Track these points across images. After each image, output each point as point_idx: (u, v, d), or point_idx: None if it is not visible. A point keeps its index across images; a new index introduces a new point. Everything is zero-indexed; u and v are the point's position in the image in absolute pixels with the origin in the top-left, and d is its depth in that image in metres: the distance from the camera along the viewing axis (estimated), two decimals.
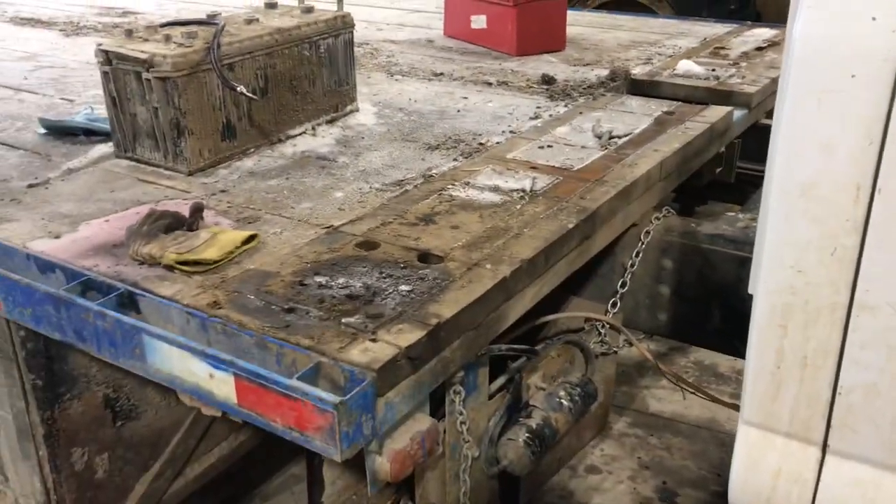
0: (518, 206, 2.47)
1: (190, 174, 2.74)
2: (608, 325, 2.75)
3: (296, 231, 2.35)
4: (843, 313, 1.54)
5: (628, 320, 2.92)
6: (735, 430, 4.82)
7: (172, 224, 2.22)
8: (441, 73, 4.03)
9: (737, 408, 3.23)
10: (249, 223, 2.40)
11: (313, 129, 3.16)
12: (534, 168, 2.77)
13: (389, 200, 2.54)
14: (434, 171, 2.77)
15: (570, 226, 2.34)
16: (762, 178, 4.01)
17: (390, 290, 1.99)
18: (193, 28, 2.80)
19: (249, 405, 1.76)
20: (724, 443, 4.53)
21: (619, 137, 3.06)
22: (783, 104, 1.50)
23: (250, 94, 2.73)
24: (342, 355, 1.74)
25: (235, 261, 2.17)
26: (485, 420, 2.34)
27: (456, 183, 2.65)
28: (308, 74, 3.09)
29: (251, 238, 2.24)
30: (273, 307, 1.93)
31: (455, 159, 2.89)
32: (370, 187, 2.65)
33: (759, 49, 4.40)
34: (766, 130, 3.91)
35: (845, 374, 1.58)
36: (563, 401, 2.48)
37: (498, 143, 3.04)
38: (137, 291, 2.03)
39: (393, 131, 3.21)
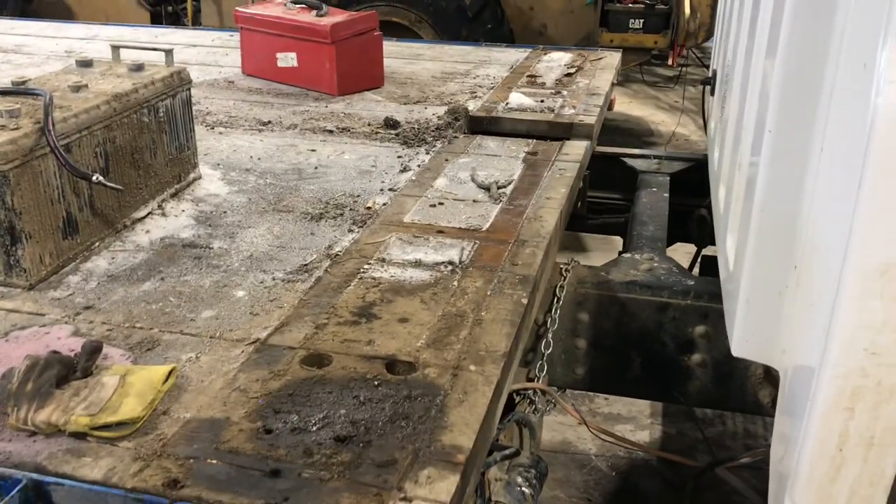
0: (455, 283, 2.22)
1: (31, 288, 2.16)
2: (539, 391, 2.58)
3: (215, 353, 1.90)
4: None
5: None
6: (587, 449, 4.85)
7: (62, 372, 1.69)
8: (268, 122, 3.62)
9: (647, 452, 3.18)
10: (148, 350, 1.91)
11: (160, 206, 2.65)
12: (441, 232, 2.53)
13: (307, 294, 2.16)
14: (336, 249, 2.42)
15: (525, 301, 2.13)
16: (605, 205, 4.07)
17: (382, 421, 1.65)
18: (10, 102, 2.20)
19: None
20: (583, 464, 4.58)
21: (505, 187, 2.90)
22: (860, 181, 1.40)
23: (112, 185, 2.20)
24: None
25: (160, 409, 1.70)
26: None
27: (370, 261, 2.33)
28: (149, 144, 2.58)
29: (169, 374, 1.78)
30: (251, 472, 1.52)
31: (350, 230, 2.55)
32: (273, 279, 2.25)
33: (569, 75, 4.48)
34: (602, 159, 4.00)
35: None
36: (523, 489, 2.26)
37: (384, 204, 2.74)
38: (49, 479, 1.50)
39: (256, 200, 2.78)
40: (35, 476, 1.50)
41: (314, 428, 1.63)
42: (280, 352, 1.90)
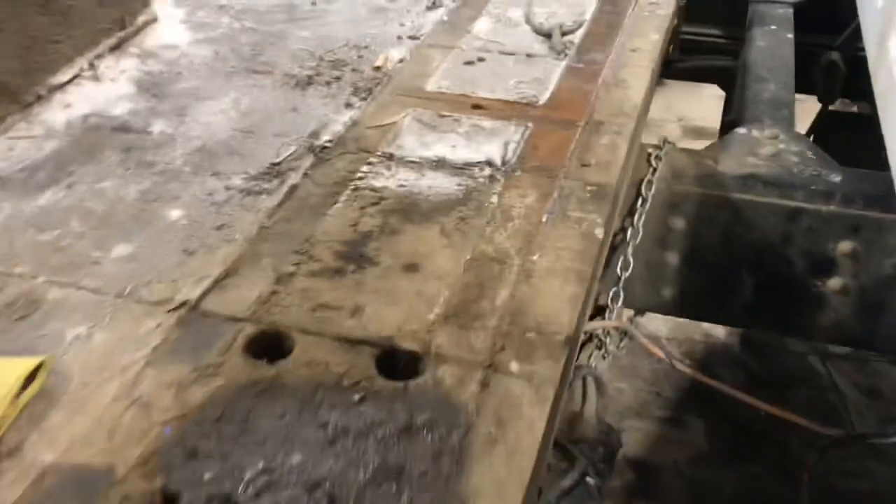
0: (494, 199, 1.48)
1: None
2: (617, 330, 1.88)
3: (117, 325, 1.23)
4: None
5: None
6: (657, 330, 4.17)
7: None
8: None
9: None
10: (21, 318, 1.25)
11: (91, 65, 1.91)
12: (478, 107, 1.76)
13: (272, 217, 1.45)
14: (324, 137, 1.68)
15: (600, 235, 1.39)
16: (701, 43, 3.16)
17: (358, 484, 0.99)
18: None
19: None
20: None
21: (573, 32, 2.07)
22: None
23: None
24: None
25: (16, 425, 1.06)
26: None
27: (373, 159, 1.59)
28: None
29: (35, 370, 1.13)
30: None
31: (348, 104, 1.79)
32: (224, 186, 1.54)
33: None
34: None
35: None
36: (590, 480, 1.63)
37: (401, 61, 1.96)
38: None
39: (224, 54, 2.02)
40: None
41: (241, 494, 0.98)
42: (216, 326, 1.22)
